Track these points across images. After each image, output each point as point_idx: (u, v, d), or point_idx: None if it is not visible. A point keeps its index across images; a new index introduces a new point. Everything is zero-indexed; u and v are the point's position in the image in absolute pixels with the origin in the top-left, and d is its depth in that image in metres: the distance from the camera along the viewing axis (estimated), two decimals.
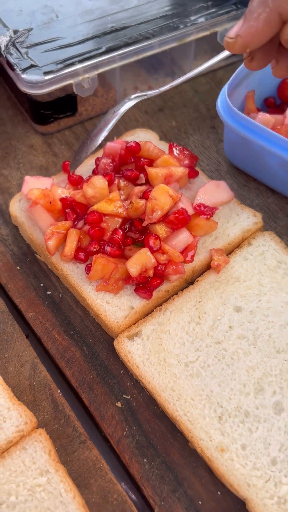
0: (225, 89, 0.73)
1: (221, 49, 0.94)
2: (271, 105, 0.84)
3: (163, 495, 0.54)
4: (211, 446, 0.54)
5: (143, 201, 0.66)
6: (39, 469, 0.53)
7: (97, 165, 0.74)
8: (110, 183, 0.70)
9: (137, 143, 0.72)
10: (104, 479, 0.55)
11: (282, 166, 0.71)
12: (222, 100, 0.72)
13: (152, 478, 0.55)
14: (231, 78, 0.74)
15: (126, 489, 0.55)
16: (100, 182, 0.68)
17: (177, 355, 0.60)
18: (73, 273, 0.67)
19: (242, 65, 0.75)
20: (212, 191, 0.73)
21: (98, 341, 0.65)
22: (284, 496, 0.51)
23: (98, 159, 0.73)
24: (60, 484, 0.52)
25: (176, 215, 0.65)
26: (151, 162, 0.73)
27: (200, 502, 0.53)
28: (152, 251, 0.63)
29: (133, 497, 0.55)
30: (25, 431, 0.55)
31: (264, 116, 0.73)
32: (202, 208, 0.69)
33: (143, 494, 0.54)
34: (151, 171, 0.69)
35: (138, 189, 0.69)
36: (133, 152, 0.72)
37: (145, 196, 0.68)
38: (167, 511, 0.53)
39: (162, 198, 0.65)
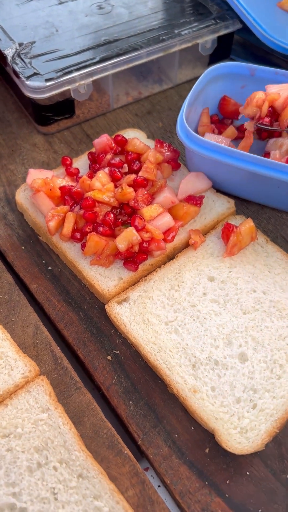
0: (182, 117, 0.80)
1: (204, 59, 1.07)
2: (216, 121, 0.94)
3: (145, 430, 0.64)
4: (185, 388, 0.64)
5: (131, 189, 0.77)
6: (41, 407, 0.63)
7: (95, 159, 0.85)
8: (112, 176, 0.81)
9: (123, 137, 0.84)
10: (96, 417, 0.65)
11: (245, 176, 0.79)
12: (181, 125, 0.79)
13: (136, 417, 0.65)
14: (184, 106, 0.81)
15: (114, 425, 0.65)
16: (105, 178, 0.79)
17: (159, 316, 0.70)
18: (70, 251, 0.77)
19: (192, 90, 0.83)
20: (192, 181, 0.84)
21: (92, 307, 0.75)
22: (245, 427, 0.61)
23: (90, 154, 0.85)
24: (59, 419, 0.62)
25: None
26: (138, 156, 0.84)
27: (176, 435, 0.64)
28: (137, 229, 0.74)
29: (120, 432, 0.65)
30: (30, 377, 0.65)
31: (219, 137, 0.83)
32: (192, 198, 0.80)
33: (129, 430, 0.65)
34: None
35: (128, 178, 0.80)
36: (121, 144, 0.84)
37: (134, 182, 0.79)
38: (148, 443, 0.63)
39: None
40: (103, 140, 0.85)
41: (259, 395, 0.64)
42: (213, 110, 0.96)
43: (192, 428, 0.64)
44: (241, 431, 0.61)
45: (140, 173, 0.80)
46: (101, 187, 0.78)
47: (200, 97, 0.90)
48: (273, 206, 0.86)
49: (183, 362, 0.66)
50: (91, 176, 0.82)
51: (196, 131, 0.91)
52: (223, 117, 0.96)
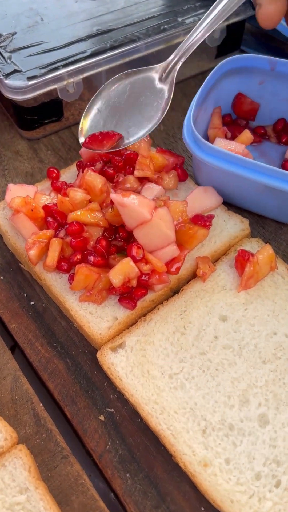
0: (189, 117, 0.68)
1: (211, 51, 0.93)
2: (229, 122, 0.83)
3: (145, 511, 0.53)
4: (194, 461, 0.53)
5: None
6: (19, 487, 0.52)
7: (83, 166, 0.73)
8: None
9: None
10: (85, 495, 0.54)
11: (261, 190, 0.68)
12: (188, 130, 0.68)
13: (134, 493, 0.54)
14: (193, 104, 0.70)
15: (108, 505, 0.54)
16: (97, 180, 0.66)
17: (161, 366, 0.59)
18: (56, 283, 0.65)
19: (202, 86, 0.72)
20: (200, 197, 0.72)
21: (82, 352, 0.63)
22: (268, 511, 0.50)
23: (79, 163, 0.73)
24: (40, 502, 0.51)
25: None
26: (135, 155, 0.71)
27: None
28: (135, 260, 0.62)
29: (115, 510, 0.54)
30: (5, 447, 0.54)
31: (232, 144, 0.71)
32: (200, 218, 0.68)
33: (126, 510, 0.53)
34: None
35: (126, 179, 0.68)
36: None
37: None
38: None
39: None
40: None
41: (283, 469, 0.52)
42: (226, 109, 0.84)
43: (202, 508, 0.53)
44: None
45: (135, 173, 0.68)
46: (85, 200, 0.66)
47: (211, 95, 0.77)
48: None
49: (191, 427, 0.55)
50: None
51: (206, 135, 0.78)
52: (237, 117, 0.84)
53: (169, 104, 0.71)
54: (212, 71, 0.75)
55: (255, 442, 0.54)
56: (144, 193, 0.67)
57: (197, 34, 0.68)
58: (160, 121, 0.70)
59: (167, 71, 0.71)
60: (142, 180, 0.70)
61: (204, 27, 0.68)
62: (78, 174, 0.74)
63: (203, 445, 0.54)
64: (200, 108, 0.74)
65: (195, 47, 0.69)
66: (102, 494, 0.55)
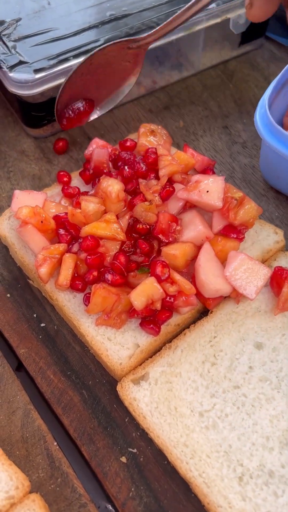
0: (264, 101, 0.62)
1: (235, 38, 0.85)
2: None
3: None
4: None
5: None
6: None
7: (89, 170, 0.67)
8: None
9: (132, 141, 0.66)
10: None
11: None
12: (262, 115, 0.62)
13: None
14: (271, 87, 0.64)
15: None
16: (115, 186, 0.59)
17: (190, 402, 0.52)
18: (69, 304, 0.59)
19: (282, 72, 0.65)
20: None
21: (99, 382, 0.57)
22: None
23: (83, 172, 0.66)
24: None
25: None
26: (155, 162, 0.64)
27: None
28: (160, 280, 0.55)
29: None
30: (16, 497, 0.48)
31: None
32: (232, 229, 0.61)
33: None
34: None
35: (153, 185, 0.61)
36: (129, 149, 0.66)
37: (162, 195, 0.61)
38: None
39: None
40: (99, 152, 0.66)
41: None
42: None
43: None
44: None
45: (161, 172, 0.62)
46: (99, 211, 0.59)
47: None
48: None
49: (226, 474, 0.48)
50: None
51: (280, 123, 0.70)
52: None
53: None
54: None
55: None
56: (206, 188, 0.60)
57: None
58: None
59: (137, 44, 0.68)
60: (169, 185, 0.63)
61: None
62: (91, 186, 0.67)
63: (240, 495, 0.47)
64: (279, 93, 0.67)
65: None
66: None
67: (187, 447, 0.50)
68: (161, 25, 0.65)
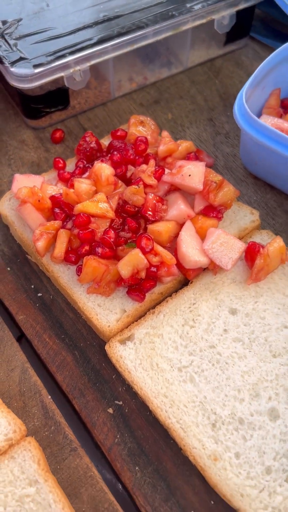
0: (242, 93, 0.69)
1: (220, 37, 0.92)
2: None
3: (155, 505, 0.53)
4: (204, 455, 0.52)
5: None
6: (28, 479, 0.52)
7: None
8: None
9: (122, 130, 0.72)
10: (94, 488, 0.54)
11: None
12: (240, 106, 0.68)
13: (144, 486, 0.54)
14: (249, 81, 0.70)
15: (117, 497, 0.53)
16: (105, 170, 0.66)
17: (170, 359, 0.58)
18: (64, 275, 0.65)
19: (259, 67, 0.71)
20: None
21: (90, 344, 0.63)
22: (278, 506, 0.50)
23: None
24: (49, 495, 0.51)
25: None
26: (145, 143, 0.71)
27: (192, 511, 0.52)
28: (144, 252, 0.61)
29: (125, 506, 0.54)
30: (14, 439, 0.54)
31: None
32: (212, 210, 0.67)
33: (135, 503, 0.53)
34: None
35: (147, 168, 0.67)
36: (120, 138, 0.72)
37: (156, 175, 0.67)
38: None
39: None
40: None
41: None
42: (284, 93, 0.82)
43: (212, 502, 0.53)
44: (272, 511, 0.50)
45: (160, 148, 0.70)
46: (91, 191, 0.65)
47: (271, 76, 0.77)
48: None
49: (201, 421, 0.54)
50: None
51: (260, 114, 0.77)
52: None
53: None
54: (273, 53, 0.74)
55: (265, 437, 0.53)
56: (188, 172, 0.66)
57: None
58: None
59: None
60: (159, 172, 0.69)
61: None
62: (77, 162, 0.73)
63: (213, 439, 0.53)
64: (257, 87, 0.74)
65: None
66: (111, 486, 0.54)
67: (167, 397, 0.56)
68: None
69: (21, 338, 0.66)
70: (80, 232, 0.63)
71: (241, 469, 0.52)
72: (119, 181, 0.69)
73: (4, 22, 0.79)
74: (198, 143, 0.82)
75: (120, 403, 0.59)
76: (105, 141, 0.77)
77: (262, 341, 0.59)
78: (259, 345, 0.59)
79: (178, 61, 0.91)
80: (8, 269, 0.69)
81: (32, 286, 0.68)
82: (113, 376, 0.60)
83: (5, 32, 0.78)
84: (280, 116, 0.77)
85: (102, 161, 0.70)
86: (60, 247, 0.64)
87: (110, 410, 0.58)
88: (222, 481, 0.51)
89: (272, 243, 0.63)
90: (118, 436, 0.56)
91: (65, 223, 0.66)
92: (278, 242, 0.63)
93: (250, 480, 0.51)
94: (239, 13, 0.87)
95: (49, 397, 0.59)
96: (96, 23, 0.80)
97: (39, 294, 0.67)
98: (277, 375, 0.57)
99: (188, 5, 0.83)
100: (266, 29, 0.98)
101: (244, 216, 0.70)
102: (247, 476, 0.51)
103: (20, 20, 0.80)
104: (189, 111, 0.86)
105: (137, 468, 0.55)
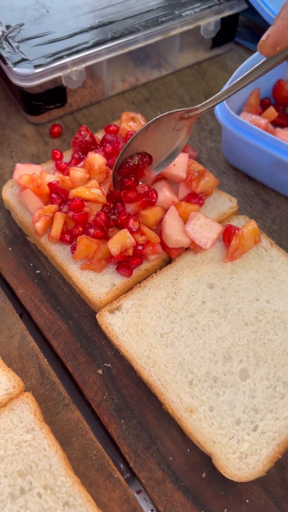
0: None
1: (207, 42, 0.99)
2: (267, 105, 0.89)
3: (137, 452, 0.60)
4: (181, 408, 0.59)
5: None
6: (26, 427, 0.58)
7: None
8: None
9: (114, 125, 0.80)
10: (84, 437, 0.60)
11: (276, 164, 0.75)
12: (220, 104, 0.76)
13: (128, 437, 0.61)
14: (229, 81, 0.77)
15: (105, 446, 0.60)
16: (98, 160, 0.73)
17: (154, 327, 0.65)
18: (60, 253, 0.72)
19: (238, 68, 0.79)
20: None
21: (83, 315, 0.70)
22: (245, 451, 0.57)
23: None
24: (44, 440, 0.57)
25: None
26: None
27: (171, 458, 0.59)
28: (131, 232, 0.68)
29: (111, 453, 0.60)
30: (13, 394, 0.61)
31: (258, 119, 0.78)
32: (194, 196, 0.74)
33: (120, 451, 0.60)
34: None
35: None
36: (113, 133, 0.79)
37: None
38: (141, 466, 0.59)
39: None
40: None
41: (260, 416, 0.59)
42: (266, 93, 0.90)
43: (188, 450, 0.60)
44: (240, 456, 0.57)
45: None
46: (84, 178, 0.72)
47: None
48: None
49: (179, 379, 0.61)
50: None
51: (241, 112, 0.85)
52: (276, 102, 0.90)
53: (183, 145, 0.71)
54: (254, 54, 0.81)
55: (236, 393, 0.60)
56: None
57: (228, 91, 0.65)
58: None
59: (188, 115, 0.68)
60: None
61: (231, 88, 0.65)
62: (73, 153, 0.80)
63: (190, 394, 0.60)
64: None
65: (222, 99, 0.66)
66: (99, 436, 0.61)
67: (150, 359, 0.63)
68: (213, 97, 0.66)
69: (21, 315, 0.72)
70: (75, 214, 0.70)
71: (214, 420, 0.59)
72: (111, 170, 0.76)
73: (8, 27, 0.86)
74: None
75: (109, 365, 0.66)
76: (99, 135, 0.85)
77: (236, 311, 0.66)
78: (233, 315, 0.66)
79: (167, 64, 0.99)
80: (10, 249, 0.76)
81: (31, 264, 0.75)
82: (103, 342, 0.67)
83: (9, 35, 0.85)
84: (259, 114, 0.84)
85: (95, 152, 0.77)
86: (57, 228, 0.71)
87: (100, 371, 0.65)
88: (197, 430, 0.58)
89: (246, 225, 0.71)
90: (106, 394, 0.63)
91: (61, 207, 0.73)
92: (252, 225, 0.70)
93: (221, 429, 0.58)
94: (224, 20, 0.95)
95: (45, 360, 0.66)
96: (92, 28, 0.87)
97: (37, 271, 0.74)
98: (248, 341, 0.64)
99: (176, 12, 0.90)
100: (250, 35, 1.06)
101: (223, 203, 0.77)
102: (219, 426, 0.58)
103: (22, 25, 0.87)
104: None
105: (122, 421, 0.62)
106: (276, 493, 0.57)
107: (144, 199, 0.70)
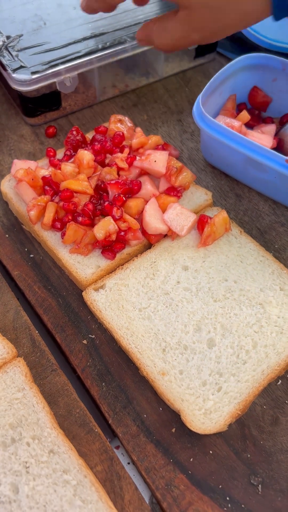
0: (199, 98, 0.84)
1: (191, 52, 1.08)
2: (243, 110, 0.97)
3: (116, 410, 0.67)
4: (154, 371, 0.67)
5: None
6: (17, 387, 0.66)
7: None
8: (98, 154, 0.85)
9: (103, 126, 0.88)
10: (69, 398, 0.68)
11: (247, 162, 0.84)
12: (197, 108, 0.84)
13: (108, 397, 0.68)
14: (205, 87, 0.86)
15: (87, 406, 0.68)
16: (86, 156, 0.82)
17: (133, 303, 0.73)
18: (51, 239, 0.80)
19: (215, 75, 0.88)
20: None
21: (71, 294, 0.78)
22: (209, 408, 0.65)
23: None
24: (33, 398, 0.65)
25: None
26: (121, 140, 0.87)
27: (145, 415, 0.67)
28: (115, 219, 0.76)
29: (92, 412, 0.68)
30: (7, 359, 0.69)
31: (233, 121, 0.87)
32: (173, 190, 0.83)
33: (100, 410, 0.68)
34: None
35: (121, 156, 0.83)
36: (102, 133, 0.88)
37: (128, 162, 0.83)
38: (118, 422, 0.67)
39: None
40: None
41: (224, 378, 0.67)
42: (243, 99, 0.98)
43: (160, 409, 0.68)
44: (205, 412, 0.64)
45: (134, 142, 0.86)
46: (74, 172, 0.81)
47: (228, 83, 0.93)
48: (270, 196, 0.88)
49: (154, 347, 0.69)
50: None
51: (217, 115, 0.93)
52: (252, 107, 0.99)
53: None
54: (230, 63, 0.90)
55: (203, 359, 0.68)
56: (154, 158, 0.82)
57: None
58: None
59: None
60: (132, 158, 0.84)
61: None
62: (65, 151, 0.89)
63: (162, 360, 0.68)
64: (214, 92, 0.90)
65: None
66: (82, 397, 0.69)
67: (128, 330, 0.71)
68: None
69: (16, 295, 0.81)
70: (65, 204, 0.79)
71: (183, 382, 0.67)
72: (99, 166, 0.85)
73: (8, 37, 0.95)
74: (168, 139, 0.98)
75: (93, 336, 0.74)
76: (90, 135, 0.93)
77: (206, 290, 0.74)
78: (204, 293, 0.74)
79: (154, 72, 1.08)
80: (7, 236, 0.85)
81: (26, 249, 0.83)
82: (88, 317, 0.76)
83: (9, 45, 0.94)
84: (234, 117, 0.93)
85: (85, 149, 0.86)
86: (49, 216, 0.79)
87: (85, 342, 0.73)
88: (167, 389, 0.66)
89: (218, 215, 0.79)
90: (90, 361, 0.71)
91: (53, 198, 0.82)
92: (223, 214, 0.79)
93: (189, 390, 0.66)
94: None
95: (37, 332, 0.74)
96: (85, 39, 0.96)
97: (31, 255, 0.82)
98: (216, 315, 0.72)
99: None
100: (231, 46, 1.15)
101: (199, 196, 0.85)
102: (187, 387, 0.66)
103: (21, 35, 0.96)
104: (162, 113, 1.02)
105: (103, 384, 0.69)
106: (237, 445, 0.65)
107: (127, 186, 0.79)
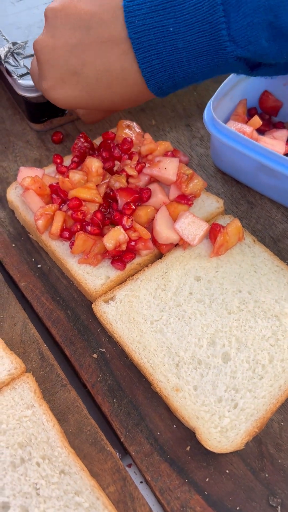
0: (210, 103, 0.83)
1: None
2: (253, 114, 0.95)
3: (128, 427, 0.65)
4: (168, 387, 0.65)
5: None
6: (26, 404, 0.64)
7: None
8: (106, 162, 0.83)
9: (111, 132, 0.86)
10: (80, 414, 0.66)
11: (259, 168, 0.82)
12: (208, 113, 0.82)
13: (119, 414, 0.66)
14: (216, 92, 0.84)
15: (98, 423, 0.66)
16: (95, 164, 0.79)
17: (144, 315, 0.71)
18: (59, 249, 0.78)
19: (226, 80, 0.86)
20: None
21: (80, 305, 0.76)
22: (225, 426, 0.62)
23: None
24: (43, 416, 0.63)
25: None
26: (130, 147, 0.85)
27: (158, 433, 0.65)
28: (125, 228, 0.74)
29: (104, 429, 0.66)
30: (15, 374, 0.66)
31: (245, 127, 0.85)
32: (183, 198, 0.80)
33: (112, 427, 0.66)
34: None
35: (130, 162, 0.81)
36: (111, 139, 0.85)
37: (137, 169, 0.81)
38: (131, 440, 0.64)
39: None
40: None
41: (240, 394, 0.64)
42: (253, 103, 0.97)
43: (174, 426, 0.65)
44: (221, 430, 0.62)
45: (142, 149, 0.83)
46: (83, 180, 0.79)
47: (239, 88, 0.91)
48: (283, 204, 0.86)
49: (167, 361, 0.67)
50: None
51: (228, 120, 0.91)
52: (262, 111, 0.97)
53: None
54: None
55: (218, 374, 0.66)
56: (164, 165, 0.80)
57: None
58: None
59: None
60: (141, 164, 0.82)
61: None
62: (72, 158, 0.87)
63: (176, 375, 0.66)
64: (224, 97, 0.88)
65: None
66: (93, 414, 0.67)
67: (140, 343, 0.69)
68: None
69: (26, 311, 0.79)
70: (73, 213, 0.77)
71: (198, 398, 0.64)
72: (107, 174, 0.83)
73: (14, 44, 0.93)
74: (176, 145, 0.96)
75: (103, 350, 0.71)
76: (97, 142, 0.91)
77: (220, 301, 0.72)
78: (217, 304, 0.72)
79: None
80: (13, 245, 0.82)
81: (33, 259, 0.81)
82: (98, 329, 0.73)
83: (15, 51, 0.92)
84: (245, 122, 0.91)
85: (93, 156, 0.84)
86: (57, 226, 0.77)
87: (95, 356, 0.71)
88: (182, 407, 0.64)
89: (231, 224, 0.77)
90: (100, 375, 0.69)
91: (61, 206, 0.80)
92: (236, 223, 0.77)
93: (204, 406, 0.64)
94: None
95: (45, 345, 0.72)
96: None
97: (39, 266, 0.80)
98: (231, 328, 0.70)
99: None
100: None
101: (211, 203, 0.83)
102: (202, 404, 0.64)
103: (27, 42, 0.94)
104: (170, 118, 1.00)
105: (114, 400, 0.67)
106: (254, 464, 0.62)
107: (137, 194, 0.77)
